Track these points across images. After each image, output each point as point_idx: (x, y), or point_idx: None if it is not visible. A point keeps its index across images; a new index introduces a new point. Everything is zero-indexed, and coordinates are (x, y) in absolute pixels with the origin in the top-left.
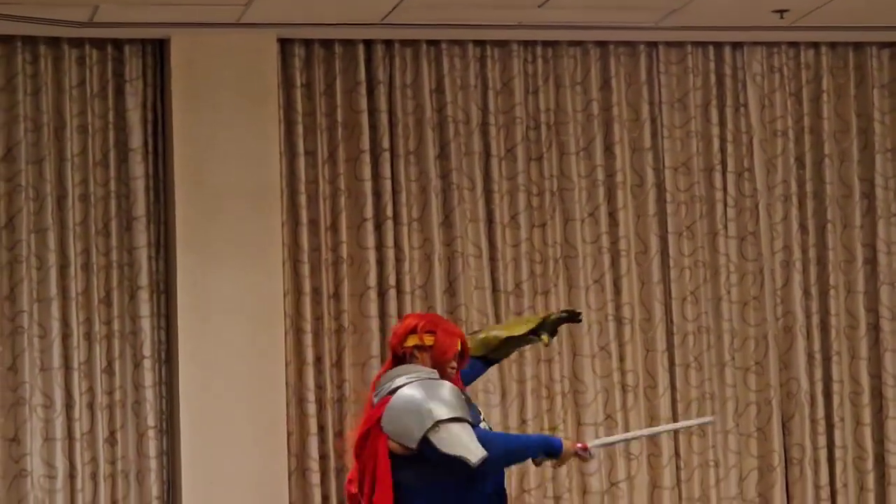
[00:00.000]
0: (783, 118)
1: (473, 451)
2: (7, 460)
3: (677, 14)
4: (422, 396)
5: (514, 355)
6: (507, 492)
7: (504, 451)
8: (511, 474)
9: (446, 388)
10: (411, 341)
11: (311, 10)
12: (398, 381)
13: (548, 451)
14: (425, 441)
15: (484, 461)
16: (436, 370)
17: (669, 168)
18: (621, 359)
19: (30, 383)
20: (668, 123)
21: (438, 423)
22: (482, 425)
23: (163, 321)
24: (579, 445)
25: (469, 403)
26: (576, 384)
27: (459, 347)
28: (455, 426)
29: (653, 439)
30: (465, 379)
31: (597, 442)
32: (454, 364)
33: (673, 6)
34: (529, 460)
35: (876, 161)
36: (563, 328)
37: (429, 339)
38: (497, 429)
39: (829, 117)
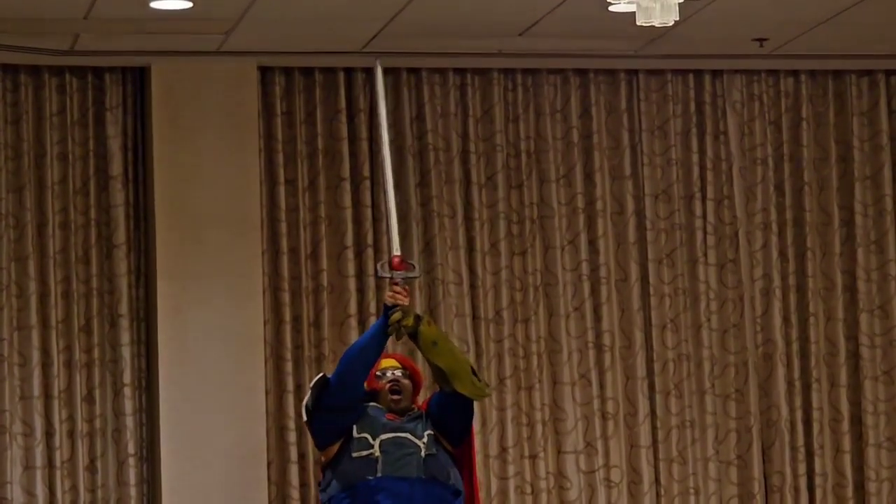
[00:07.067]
0: (763, 146)
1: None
2: None
3: (657, 42)
4: None
5: (493, 382)
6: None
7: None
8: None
9: None
10: None
11: (291, 39)
12: None
13: (382, 320)
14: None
15: (321, 378)
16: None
17: (649, 195)
18: (601, 386)
19: (10, 411)
20: (648, 151)
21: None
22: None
23: (143, 349)
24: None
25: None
26: (556, 412)
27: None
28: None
29: (634, 468)
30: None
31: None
32: (385, 385)
33: (653, 35)
34: (384, 339)
35: (855, 189)
36: (545, 356)
37: None
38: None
39: (808, 145)
